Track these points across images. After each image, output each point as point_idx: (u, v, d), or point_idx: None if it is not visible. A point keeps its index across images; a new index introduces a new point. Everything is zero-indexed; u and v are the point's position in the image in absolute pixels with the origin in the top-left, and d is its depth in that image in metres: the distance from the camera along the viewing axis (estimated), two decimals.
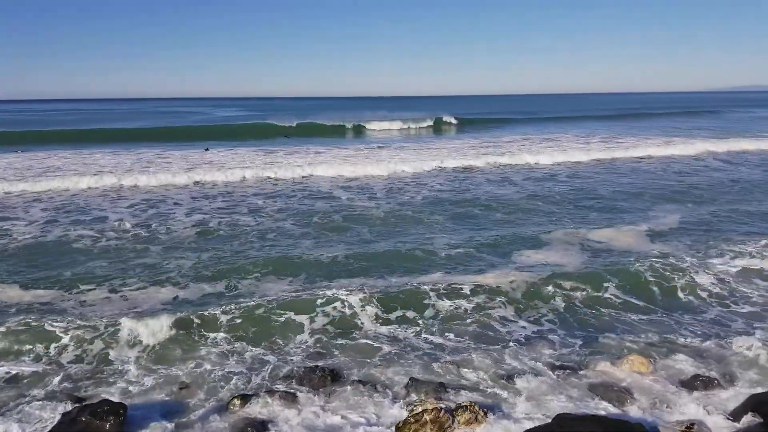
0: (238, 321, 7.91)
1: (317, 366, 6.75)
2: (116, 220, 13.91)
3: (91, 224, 13.61)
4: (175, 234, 12.62)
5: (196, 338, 7.47)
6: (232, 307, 8.35)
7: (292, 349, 7.29)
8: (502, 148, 29.00)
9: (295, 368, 6.72)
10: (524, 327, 7.84)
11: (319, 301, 8.47)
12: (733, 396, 5.96)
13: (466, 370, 6.71)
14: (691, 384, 6.17)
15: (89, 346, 7.26)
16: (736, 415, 5.50)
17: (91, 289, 9.23)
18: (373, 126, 46.21)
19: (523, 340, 7.47)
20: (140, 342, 7.35)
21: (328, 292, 8.81)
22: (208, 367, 6.82)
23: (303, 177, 20.28)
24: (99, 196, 17.08)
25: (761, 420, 5.18)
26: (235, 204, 15.98)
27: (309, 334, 7.67)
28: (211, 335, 7.56)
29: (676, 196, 16.50)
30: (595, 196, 16.63)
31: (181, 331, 7.58)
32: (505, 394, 6.17)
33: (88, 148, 31.27)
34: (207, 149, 30.56)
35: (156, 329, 7.61)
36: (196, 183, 19.14)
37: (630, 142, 31.32)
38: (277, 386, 6.38)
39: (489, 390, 6.26)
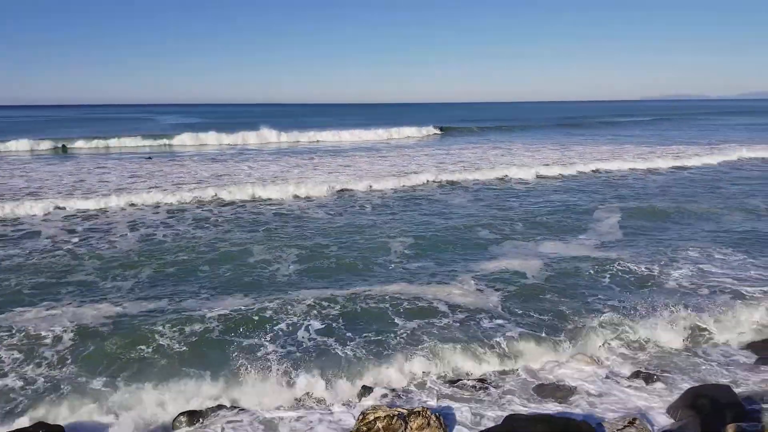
0: (185, 334, 7.69)
1: (270, 376, 6.65)
2: (49, 237, 13.28)
3: (21, 241, 12.96)
4: (117, 248, 12.15)
5: (140, 355, 7.20)
6: (178, 321, 8.12)
7: (242, 362, 7.07)
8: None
9: (245, 380, 6.59)
10: (473, 331, 7.91)
11: (269, 313, 8.35)
12: (672, 390, 6.23)
13: (418, 375, 6.76)
14: (633, 380, 6.41)
15: (24, 367, 6.88)
16: (674, 409, 5.74)
17: (24, 309, 8.75)
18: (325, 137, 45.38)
19: (473, 345, 7.55)
20: (79, 362, 7.03)
21: (280, 302, 8.71)
22: (153, 383, 6.57)
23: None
24: (32, 212, 16.19)
25: (698, 412, 5.43)
26: (179, 215, 15.57)
27: (256, 343, 7.51)
28: (157, 351, 7.29)
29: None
30: (548, 209, 17.10)
31: (124, 350, 7.30)
32: (456, 398, 6.25)
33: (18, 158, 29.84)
34: (150, 157, 29.74)
35: (96, 348, 7.31)
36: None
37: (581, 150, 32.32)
38: (227, 401, 6.26)
39: (441, 394, 6.32)
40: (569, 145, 36.28)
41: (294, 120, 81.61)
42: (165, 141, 39.79)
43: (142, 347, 7.35)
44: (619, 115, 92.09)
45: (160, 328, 7.86)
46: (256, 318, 8.27)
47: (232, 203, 17.18)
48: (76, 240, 12.90)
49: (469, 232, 13.33)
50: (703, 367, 6.86)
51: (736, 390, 5.87)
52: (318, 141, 43.89)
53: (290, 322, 8.14)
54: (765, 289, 9.26)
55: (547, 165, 24.99)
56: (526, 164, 25.42)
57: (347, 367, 6.92)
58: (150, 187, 19.36)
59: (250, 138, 42.23)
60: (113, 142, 38.42)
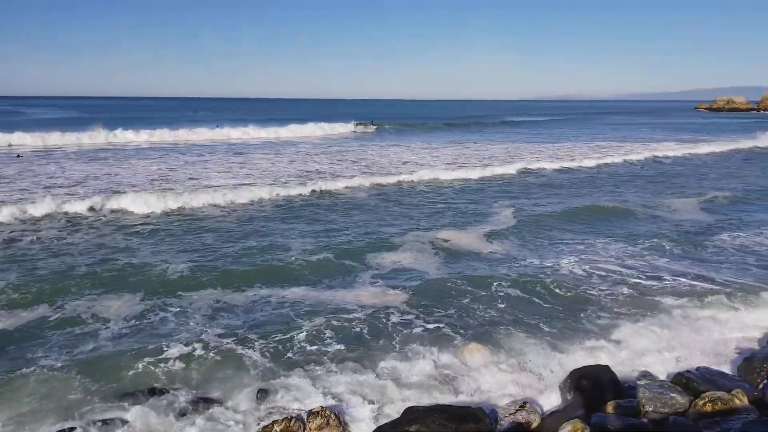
0: (71, 346, 7.04)
1: (165, 390, 6.24)
2: None
3: None
4: None
5: (17, 374, 6.49)
6: (63, 333, 7.43)
7: (131, 376, 6.57)
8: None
9: (136, 393, 6.15)
10: (372, 329, 7.91)
11: (160, 316, 7.87)
12: (560, 372, 6.56)
13: (318, 375, 6.64)
14: (524, 365, 6.70)
15: None
16: (560, 390, 6.06)
17: None
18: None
19: (371, 342, 7.56)
20: None
21: (174, 305, 8.23)
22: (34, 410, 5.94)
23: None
24: None
25: (581, 392, 5.76)
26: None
27: (149, 349, 7.04)
28: (38, 367, 6.62)
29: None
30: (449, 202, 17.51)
31: None
32: (355, 396, 6.20)
33: None
34: (19, 155, 27.13)
35: None
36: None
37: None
38: (106, 416, 5.79)
39: (340, 393, 6.25)
40: (466, 143, 37.70)
41: (199, 115, 78.16)
42: (39, 136, 36.15)
43: (21, 369, 6.62)
44: (523, 114, 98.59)
45: (39, 342, 7.16)
46: (148, 322, 7.78)
47: (107, 206, 15.90)
48: None
49: (372, 233, 13.37)
50: (588, 349, 7.29)
51: (615, 369, 6.30)
52: (229, 138, 40.80)
53: (185, 326, 7.73)
54: (642, 274, 10.10)
55: (450, 166, 25.62)
56: (428, 164, 25.90)
57: (247, 372, 6.67)
58: (18, 190, 17.64)
59: (136, 135, 39.29)
60: None
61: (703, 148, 35.12)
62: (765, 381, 5.79)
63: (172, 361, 6.84)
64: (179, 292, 9.07)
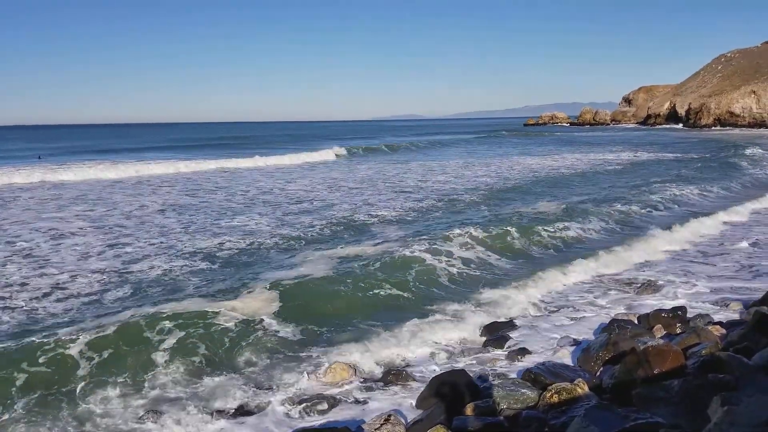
0: None
1: None
2: None
3: None
4: None
5: None
6: None
7: None
8: None
9: None
10: (232, 355, 7.52)
11: None
12: (420, 382, 6.69)
13: (172, 411, 6.11)
14: (385, 378, 6.73)
15: None
16: (422, 399, 6.15)
17: None
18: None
19: (232, 366, 7.17)
20: None
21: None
22: None
23: None
24: None
25: (442, 399, 5.89)
26: None
27: None
28: None
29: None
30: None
31: None
32: (215, 426, 5.81)
33: None
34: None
35: None
36: None
37: None
38: None
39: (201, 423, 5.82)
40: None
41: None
42: None
43: None
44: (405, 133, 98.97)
45: None
46: None
47: None
48: None
49: None
50: (444, 356, 7.52)
51: (471, 372, 6.56)
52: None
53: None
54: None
55: None
56: None
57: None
58: None
59: None
60: None
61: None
62: (601, 369, 6.36)
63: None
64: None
